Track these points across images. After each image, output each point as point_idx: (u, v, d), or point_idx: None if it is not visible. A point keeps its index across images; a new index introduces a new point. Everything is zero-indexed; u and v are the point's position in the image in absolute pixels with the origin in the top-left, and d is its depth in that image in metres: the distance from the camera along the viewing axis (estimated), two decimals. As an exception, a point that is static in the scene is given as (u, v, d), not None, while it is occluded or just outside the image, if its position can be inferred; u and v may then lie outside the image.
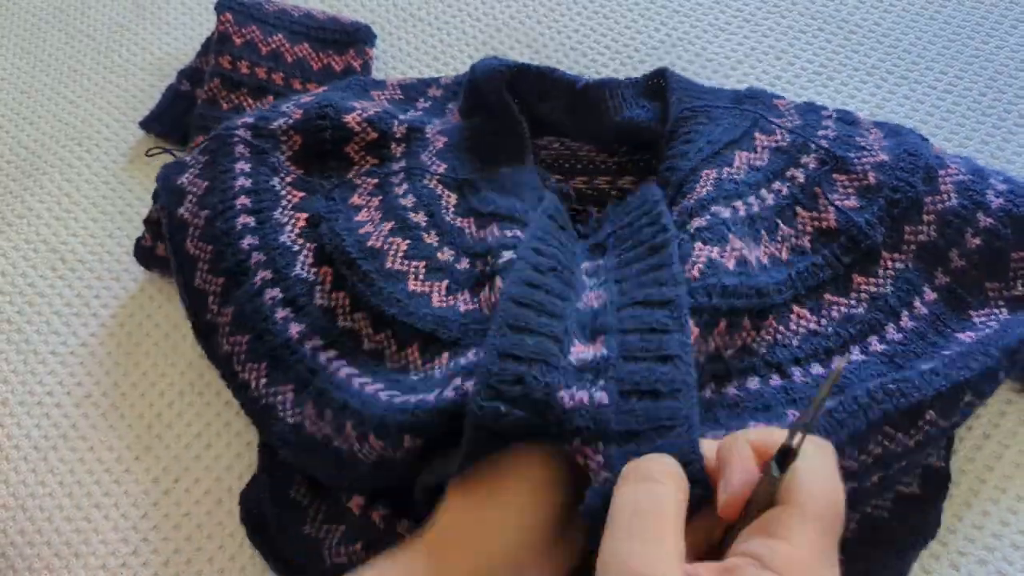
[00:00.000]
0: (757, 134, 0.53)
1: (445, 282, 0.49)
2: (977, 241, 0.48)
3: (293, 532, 0.45)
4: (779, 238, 0.49)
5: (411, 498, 0.41)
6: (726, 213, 0.48)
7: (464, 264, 0.49)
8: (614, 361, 0.38)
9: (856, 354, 0.45)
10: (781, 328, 0.45)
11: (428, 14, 0.76)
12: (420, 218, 0.53)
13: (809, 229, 0.49)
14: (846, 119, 0.54)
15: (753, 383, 0.43)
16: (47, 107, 0.74)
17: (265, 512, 0.47)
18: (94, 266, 0.62)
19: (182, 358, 0.57)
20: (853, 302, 0.47)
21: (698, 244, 0.46)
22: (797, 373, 0.44)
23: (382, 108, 0.58)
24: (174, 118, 0.69)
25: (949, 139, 0.61)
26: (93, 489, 0.52)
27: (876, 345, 0.45)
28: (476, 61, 0.60)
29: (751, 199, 0.50)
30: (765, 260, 0.47)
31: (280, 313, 0.49)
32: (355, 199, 0.55)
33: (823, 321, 0.46)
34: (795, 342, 0.45)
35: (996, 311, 0.47)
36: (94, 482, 0.52)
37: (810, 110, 0.55)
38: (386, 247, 0.51)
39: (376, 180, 0.55)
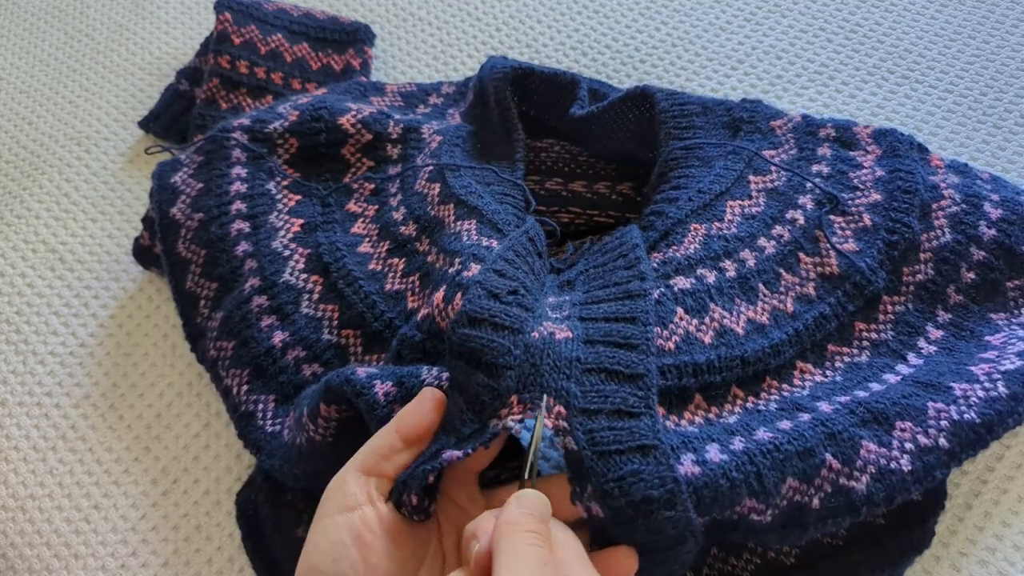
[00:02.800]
0: (751, 177, 0.51)
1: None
2: (972, 275, 0.47)
3: (286, 535, 0.45)
4: (782, 288, 0.47)
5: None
6: (711, 277, 0.46)
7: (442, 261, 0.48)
8: (586, 452, 0.36)
9: (875, 387, 0.43)
10: (785, 386, 0.43)
11: (428, 14, 0.75)
12: (411, 229, 0.52)
13: (813, 275, 0.47)
14: (844, 138, 0.53)
15: (784, 424, 0.40)
16: (46, 107, 0.74)
17: (260, 513, 0.47)
18: (93, 266, 0.62)
19: (181, 359, 0.56)
20: (855, 351, 0.46)
21: (680, 311, 0.44)
22: (822, 406, 0.41)
23: (377, 109, 0.58)
24: (173, 118, 0.69)
25: (950, 139, 0.60)
26: (92, 490, 0.52)
27: (892, 378, 0.43)
28: (484, 60, 0.60)
29: (744, 253, 0.47)
30: (764, 319, 0.45)
31: (265, 321, 0.49)
32: (351, 206, 0.55)
33: (828, 373, 0.44)
34: (806, 392, 0.43)
35: (1014, 333, 0.46)
36: (93, 483, 0.52)
37: (807, 132, 0.54)
38: (385, 269, 0.50)
39: (372, 185, 0.55)
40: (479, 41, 0.72)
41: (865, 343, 0.46)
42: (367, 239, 0.53)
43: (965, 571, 0.44)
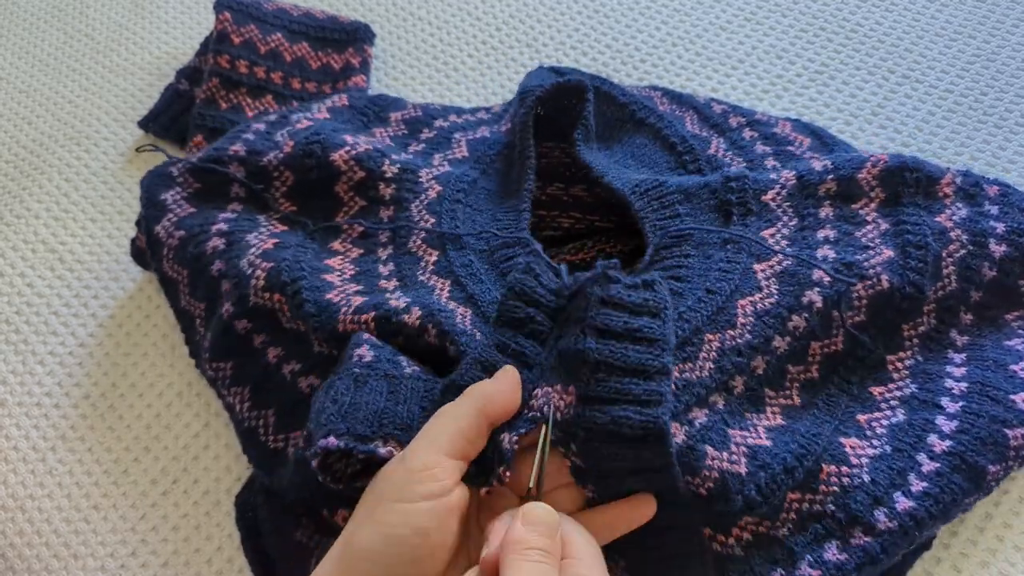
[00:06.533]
0: (755, 265, 0.47)
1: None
2: (969, 317, 0.47)
3: (284, 537, 0.45)
4: (787, 383, 0.45)
5: None
6: (721, 403, 0.43)
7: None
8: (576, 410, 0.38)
9: (925, 462, 0.41)
10: (844, 469, 0.41)
11: (428, 13, 0.75)
12: (391, 284, 0.49)
13: (819, 357, 0.46)
14: (846, 192, 0.49)
15: (829, 551, 0.40)
16: (46, 107, 0.74)
17: (259, 515, 0.47)
18: (92, 266, 0.62)
19: (180, 359, 0.56)
20: (888, 412, 0.44)
21: (709, 450, 0.40)
22: (882, 517, 0.40)
23: (373, 146, 0.55)
24: (173, 117, 0.69)
25: (951, 139, 0.60)
26: (91, 490, 0.52)
27: (939, 444, 0.42)
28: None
29: (756, 362, 0.44)
30: (779, 420, 0.43)
31: (257, 339, 0.49)
32: (336, 244, 0.53)
33: (875, 442, 0.42)
34: (865, 476, 0.41)
35: None
36: (92, 483, 0.52)
37: (805, 194, 0.50)
38: (341, 301, 0.47)
39: (362, 228, 0.53)
40: (479, 41, 0.72)
41: (893, 402, 0.44)
42: (337, 272, 0.50)
43: (966, 572, 0.44)
